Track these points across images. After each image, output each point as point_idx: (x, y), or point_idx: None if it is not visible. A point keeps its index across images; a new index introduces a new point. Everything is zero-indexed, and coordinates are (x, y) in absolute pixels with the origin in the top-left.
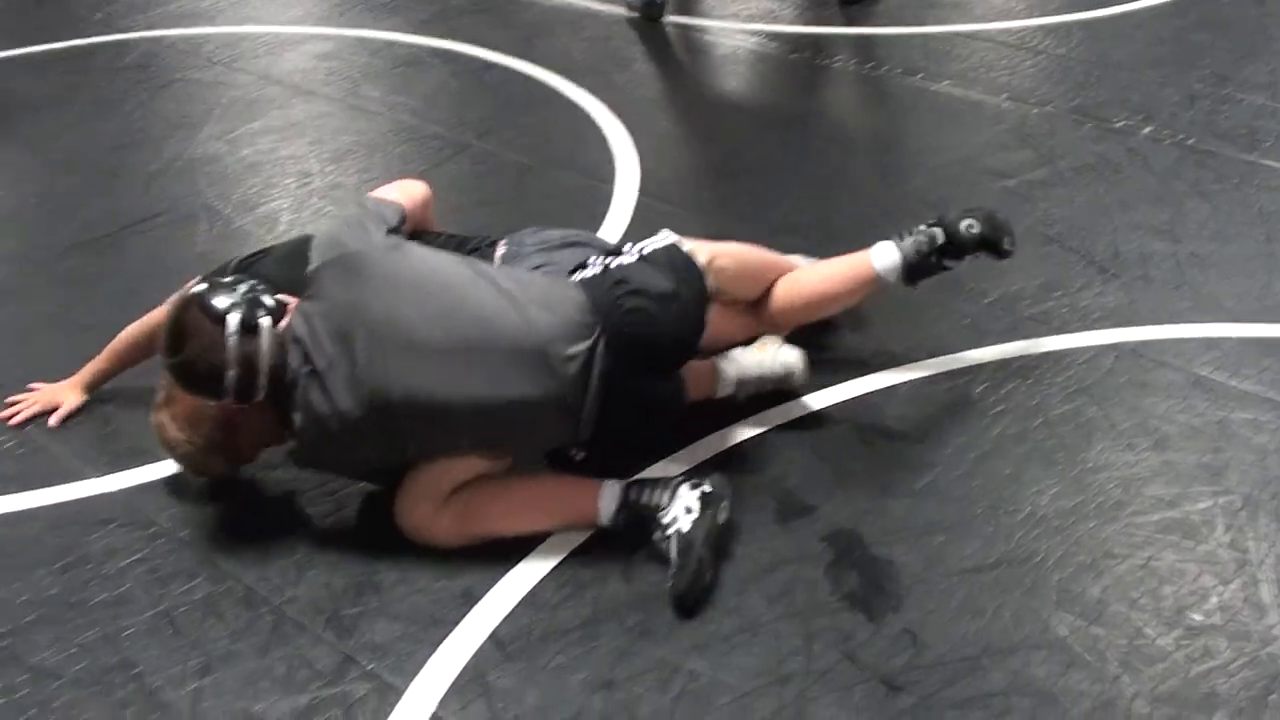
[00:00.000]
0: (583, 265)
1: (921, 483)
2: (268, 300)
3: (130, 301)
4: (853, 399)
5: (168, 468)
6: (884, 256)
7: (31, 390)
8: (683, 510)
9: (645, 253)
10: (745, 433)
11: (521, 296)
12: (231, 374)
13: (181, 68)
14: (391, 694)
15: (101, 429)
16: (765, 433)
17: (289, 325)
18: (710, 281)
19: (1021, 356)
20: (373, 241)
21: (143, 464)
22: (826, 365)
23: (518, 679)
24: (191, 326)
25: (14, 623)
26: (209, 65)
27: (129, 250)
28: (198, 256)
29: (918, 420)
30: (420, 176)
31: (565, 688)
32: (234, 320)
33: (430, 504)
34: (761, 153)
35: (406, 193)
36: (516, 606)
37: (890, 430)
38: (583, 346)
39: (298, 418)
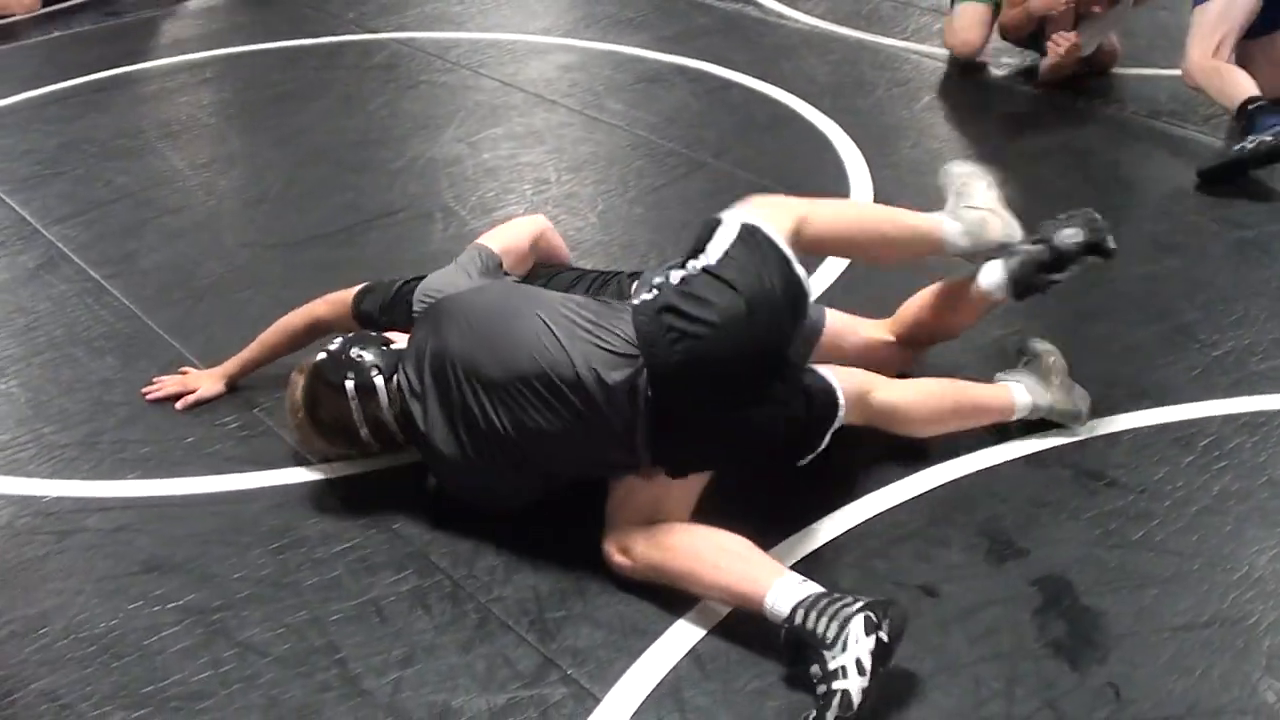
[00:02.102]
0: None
1: (1138, 534)
2: (379, 360)
3: None
4: (1075, 442)
5: (387, 460)
6: (990, 275)
7: (181, 373)
8: (853, 664)
9: (711, 263)
10: (962, 469)
11: (569, 326)
12: (364, 431)
13: (428, 70)
14: (588, 700)
15: None
16: (983, 471)
17: (398, 376)
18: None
19: (1249, 413)
20: (459, 286)
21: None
22: None
23: (713, 699)
24: (320, 395)
25: (227, 598)
26: (455, 69)
27: (366, 244)
28: (432, 255)
29: (1139, 469)
30: (653, 192)
31: (760, 713)
32: (350, 386)
33: (619, 531)
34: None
35: (503, 240)
36: (718, 625)
37: (1110, 478)
38: (625, 375)
39: (423, 454)
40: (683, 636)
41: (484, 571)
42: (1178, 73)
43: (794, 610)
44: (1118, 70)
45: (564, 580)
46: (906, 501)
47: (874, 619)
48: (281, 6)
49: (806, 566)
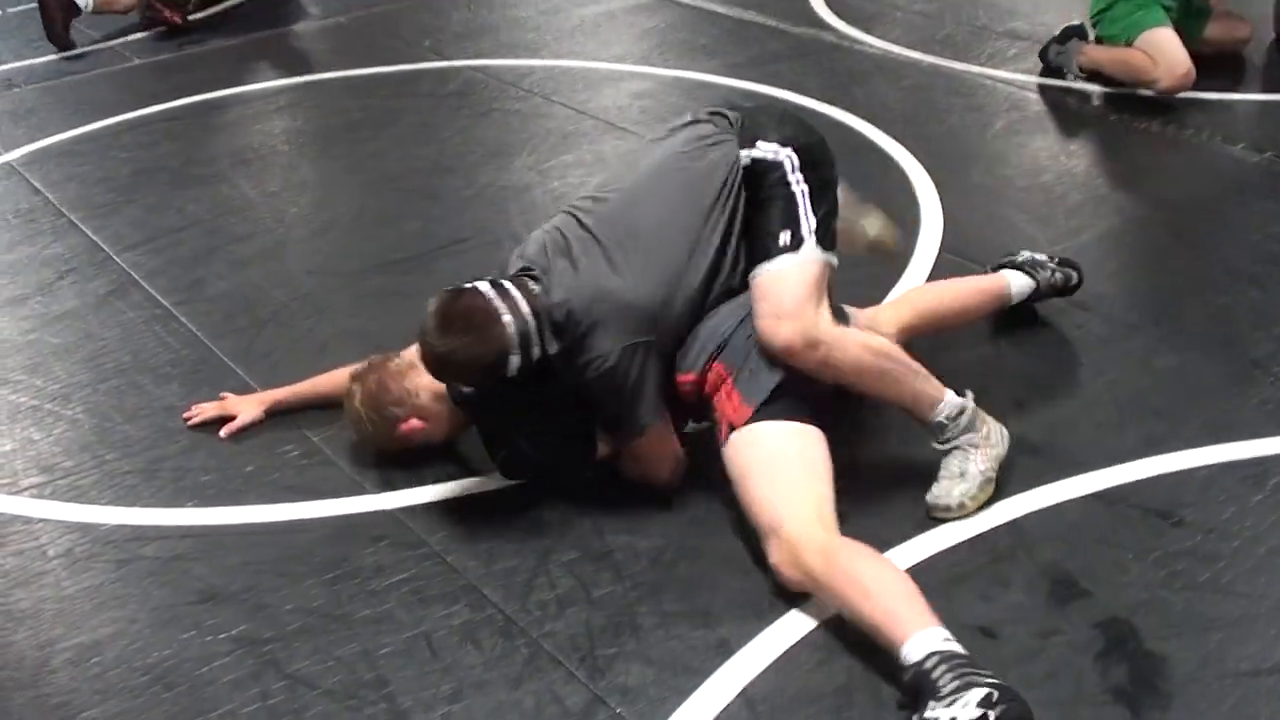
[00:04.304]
0: None
1: (1205, 575)
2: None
3: None
4: (1144, 480)
5: (444, 490)
6: (1019, 282)
7: (221, 398)
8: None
9: None
10: (1026, 506)
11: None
12: (508, 318)
13: (501, 97)
14: None
15: None
16: (1047, 508)
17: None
18: None
19: None
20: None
21: (420, 485)
22: (1122, 442)
23: None
24: (455, 305)
25: (279, 630)
26: (528, 96)
27: (435, 272)
28: None
29: (1207, 508)
30: None
31: None
32: (484, 285)
33: (790, 541)
34: (1067, 217)
35: None
36: (771, 665)
37: (1178, 517)
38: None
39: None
40: (734, 676)
41: (536, 605)
42: (1255, 97)
43: (928, 656)
44: (1194, 95)
45: (617, 615)
46: (969, 539)
47: (993, 698)
48: (358, 34)
49: None
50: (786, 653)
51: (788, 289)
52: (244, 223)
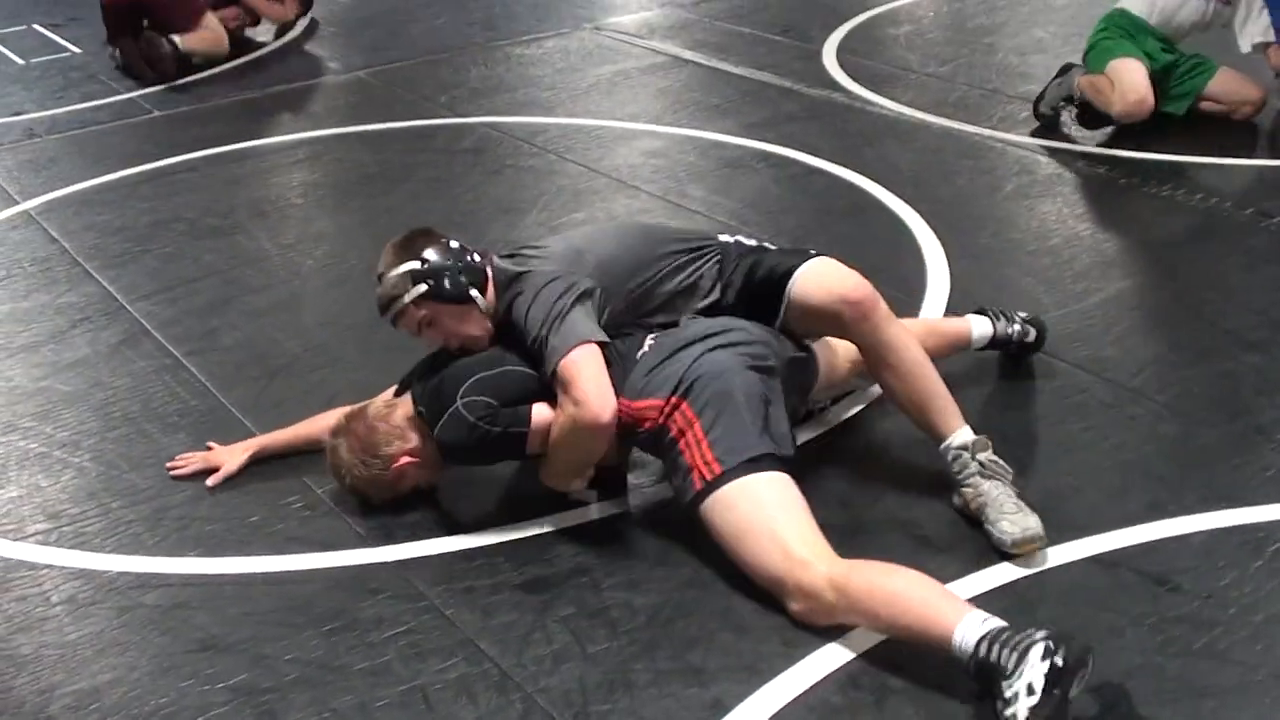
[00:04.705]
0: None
1: (1200, 642)
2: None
3: None
4: (1143, 544)
5: (444, 544)
6: (980, 327)
7: (207, 448)
8: (1024, 689)
9: None
10: (1027, 568)
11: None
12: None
13: (515, 154)
14: None
15: None
16: (1046, 571)
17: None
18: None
19: None
20: None
21: (420, 538)
22: (1124, 507)
23: None
24: (411, 240)
25: (277, 680)
26: (541, 154)
27: None
28: None
29: (1206, 574)
30: None
31: None
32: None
33: (794, 584)
34: (1074, 280)
35: None
36: None
37: (1175, 582)
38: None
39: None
40: None
41: (532, 660)
42: (1264, 162)
43: (979, 644)
44: (1203, 159)
45: (612, 672)
46: (966, 601)
47: (1051, 647)
48: (377, 89)
49: (859, 665)
50: (779, 713)
51: (839, 264)
52: (259, 274)
